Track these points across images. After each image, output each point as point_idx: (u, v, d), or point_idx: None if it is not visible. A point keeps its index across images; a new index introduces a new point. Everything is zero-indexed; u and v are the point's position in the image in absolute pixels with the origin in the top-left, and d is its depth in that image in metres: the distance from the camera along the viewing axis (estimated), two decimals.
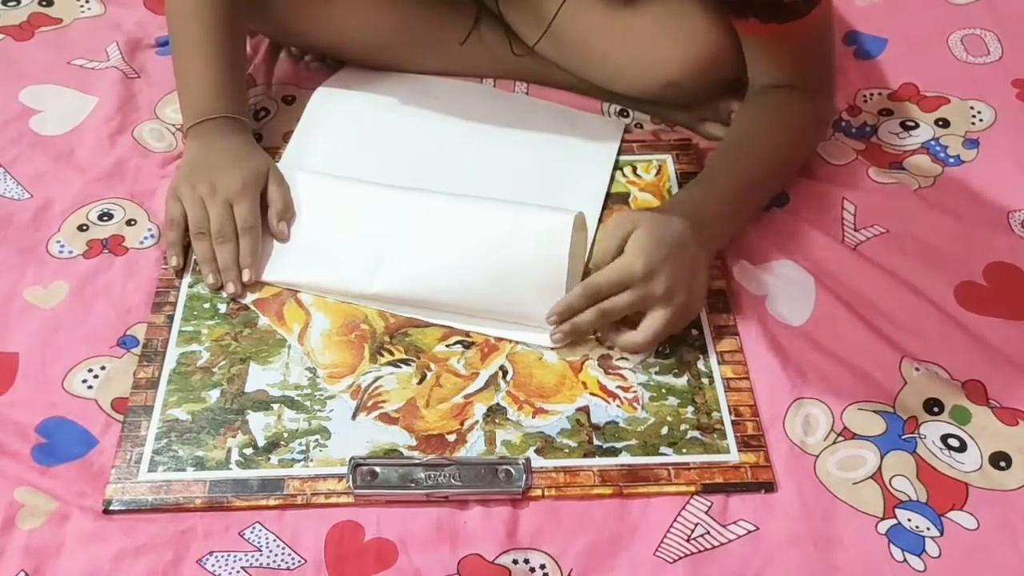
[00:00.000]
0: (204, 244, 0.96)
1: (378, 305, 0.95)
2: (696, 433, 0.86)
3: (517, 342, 0.92)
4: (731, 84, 1.08)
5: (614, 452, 0.84)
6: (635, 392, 0.88)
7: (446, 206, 0.96)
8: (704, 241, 0.91)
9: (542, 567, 0.78)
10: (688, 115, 1.13)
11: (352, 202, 0.99)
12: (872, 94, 1.16)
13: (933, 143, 1.10)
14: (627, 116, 1.15)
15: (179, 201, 0.98)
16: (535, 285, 0.91)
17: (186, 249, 0.98)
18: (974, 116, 1.13)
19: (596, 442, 0.85)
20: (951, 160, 1.08)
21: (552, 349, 0.91)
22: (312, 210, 1.00)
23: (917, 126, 1.12)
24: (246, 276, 0.96)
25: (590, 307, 0.88)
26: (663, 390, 0.89)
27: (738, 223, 0.98)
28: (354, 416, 0.87)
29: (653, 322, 0.88)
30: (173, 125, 1.12)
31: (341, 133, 1.11)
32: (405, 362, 0.91)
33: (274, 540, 0.79)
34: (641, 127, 1.14)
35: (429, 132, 1.11)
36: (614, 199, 1.04)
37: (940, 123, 1.13)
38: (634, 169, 1.08)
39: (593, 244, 0.99)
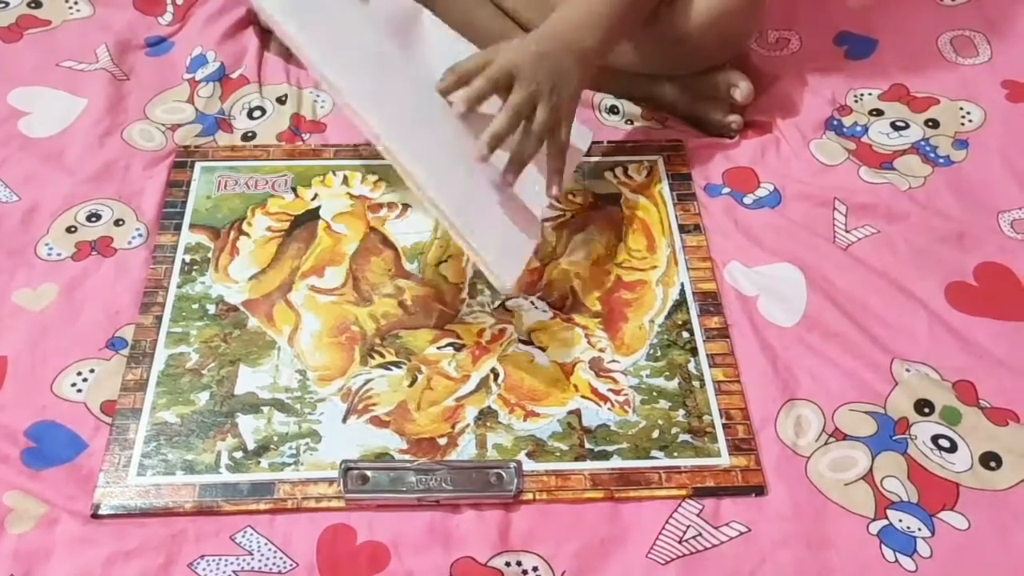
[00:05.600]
0: None
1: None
2: (687, 436, 0.85)
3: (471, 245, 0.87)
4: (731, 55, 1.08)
5: (605, 456, 0.84)
6: (626, 395, 0.88)
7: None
8: (575, 53, 0.93)
9: (535, 569, 0.78)
10: (685, 94, 1.12)
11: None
12: (862, 94, 1.16)
13: (923, 143, 1.10)
14: (617, 112, 1.14)
15: None
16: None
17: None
18: (963, 117, 1.13)
19: (587, 445, 0.85)
20: (941, 160, 1.08)
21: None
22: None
23: (907, 126, 1.12)
24: None
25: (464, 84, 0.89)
26: (654, 393, 0.88)
27: (610, 35, 0.97)
28: (345, 419, 0.87)
29: (539, 114, 0.89)
30: (163, 125, 1.12)
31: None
32: (396, 364, 0.90)
33: (266, 544, 0.79)
34: (632, 123, 1.14)
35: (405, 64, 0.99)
36: (606, 200, 1.04)
37: (930, 124, 1.13)
38: (625, 170, 1.07)
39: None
